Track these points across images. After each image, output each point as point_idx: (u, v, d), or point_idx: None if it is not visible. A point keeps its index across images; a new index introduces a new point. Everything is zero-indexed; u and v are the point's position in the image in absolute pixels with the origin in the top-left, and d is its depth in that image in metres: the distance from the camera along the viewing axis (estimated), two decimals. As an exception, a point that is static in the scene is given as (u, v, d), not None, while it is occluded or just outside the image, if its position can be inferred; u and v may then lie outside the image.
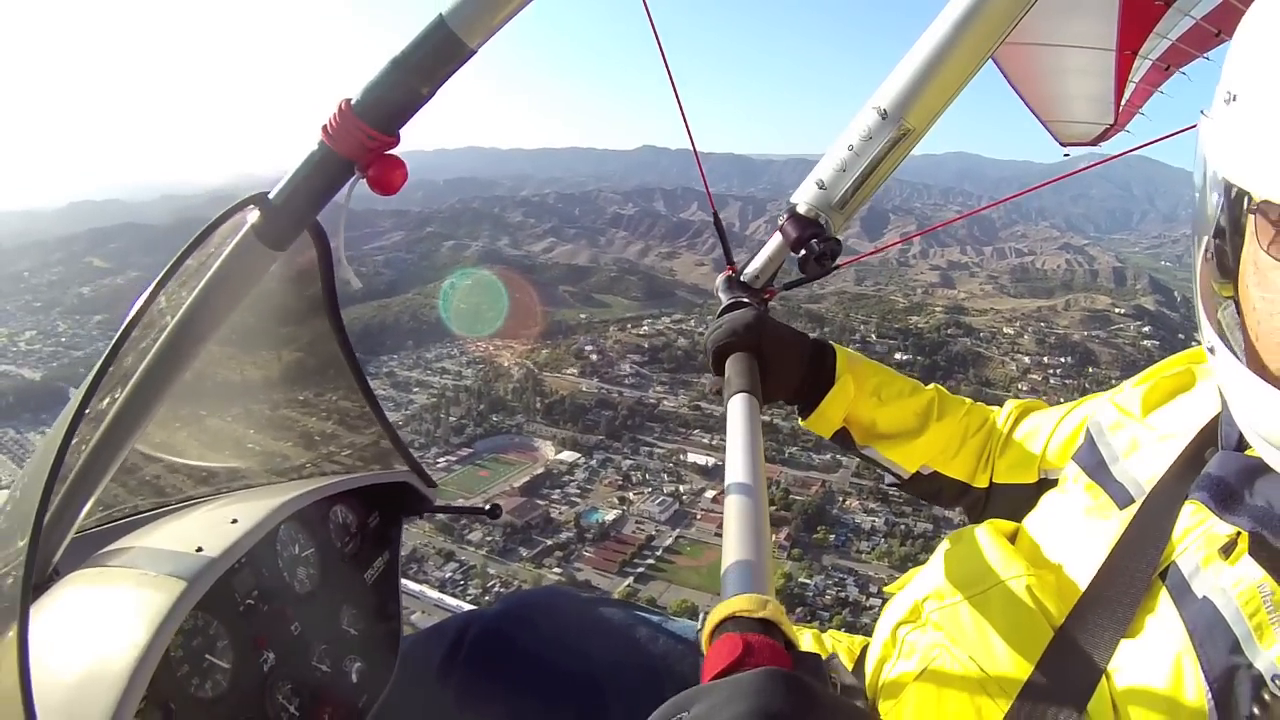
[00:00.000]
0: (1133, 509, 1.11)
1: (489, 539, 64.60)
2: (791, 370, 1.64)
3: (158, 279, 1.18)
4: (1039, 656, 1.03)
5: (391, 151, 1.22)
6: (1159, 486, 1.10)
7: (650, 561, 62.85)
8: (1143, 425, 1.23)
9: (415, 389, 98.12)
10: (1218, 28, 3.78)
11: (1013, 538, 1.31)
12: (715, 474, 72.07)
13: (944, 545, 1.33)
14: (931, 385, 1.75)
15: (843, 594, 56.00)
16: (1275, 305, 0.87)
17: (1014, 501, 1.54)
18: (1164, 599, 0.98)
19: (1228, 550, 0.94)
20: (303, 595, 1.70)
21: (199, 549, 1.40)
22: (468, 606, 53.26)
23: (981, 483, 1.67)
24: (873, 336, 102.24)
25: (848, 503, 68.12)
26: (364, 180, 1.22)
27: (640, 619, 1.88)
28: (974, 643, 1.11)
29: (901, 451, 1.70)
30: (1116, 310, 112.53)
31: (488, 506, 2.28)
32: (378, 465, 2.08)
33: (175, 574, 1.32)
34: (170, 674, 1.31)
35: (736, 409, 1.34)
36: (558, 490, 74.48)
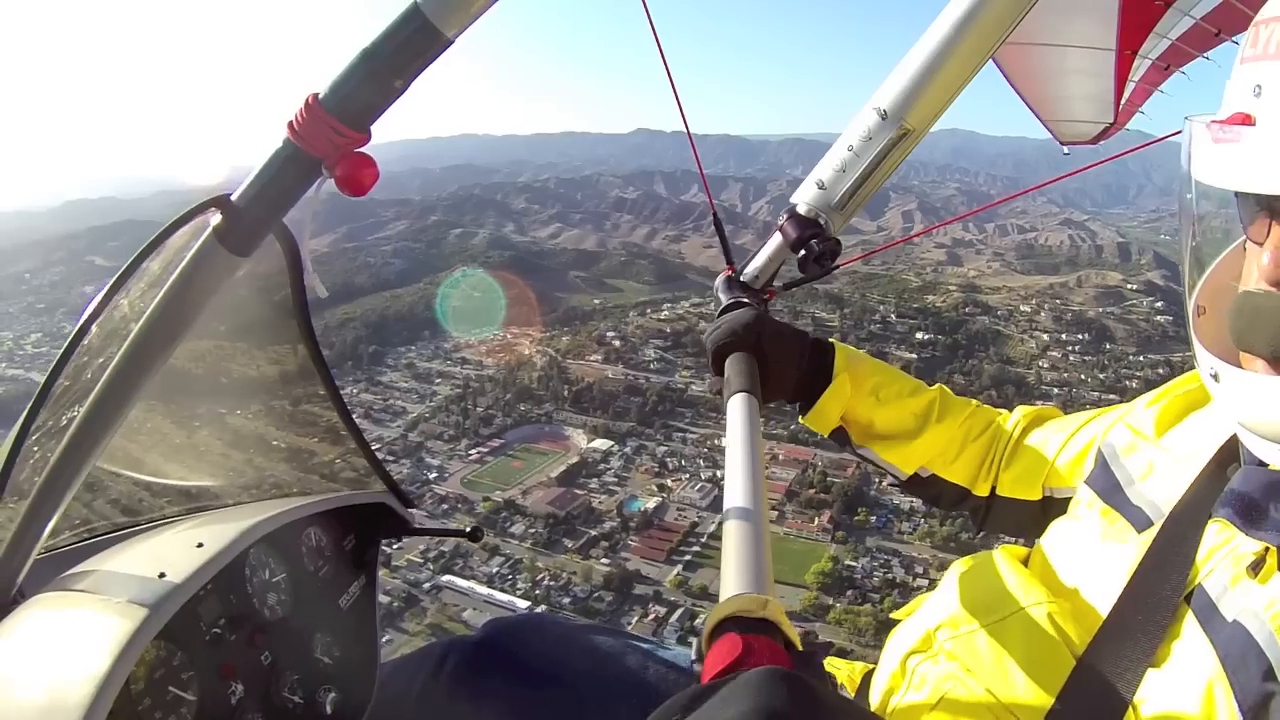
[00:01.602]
0: (1152, 531, 1.08)
1: (532, 531, 64.51)
2: (791, 369, 1.63)
3: (108, 286, 1.16)
4: (1060, 688, 1.00)
5: (362, 149, 1.14)
6: (1180, 506, 1.08)
7: (696, 549, 62.25)
8: (1157, 446, 1.22)
9: (438, 380, 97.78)
10: (1217, 28, 3.81)
11: (1025, 562, 1.29)
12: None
13: (956, 570, 1.29)
14: (935, 386, 1.72)
15: (889, 575, 56.48)
16: (1241, 280, 0.97)
17: (1017, 515, 1.54)
18: (1190, 623, 0.95)
19: (1256, 568, 0.92)
20: (273, 622, 1.63)
21: (162, 574, 1.34)
22: (520, 602, 52.95)
23: (982, 490, 1.64)
24: (893, 316, 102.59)
25: (884, 483, 67.81)
26: (332, 180, 1.15)
27: (630, 646, 1.83)
28: (991, 674, 1.08)
29: (898, 453, 1.68)
30: (1128, 286, 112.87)
31: (468, 529, 2.19)
32: (353, 485, 2.00)
33: (137, 600, 1.27)
34: (130, 707, 1.26)
35: (736, 409, 1.35)
36: (595, 479, 73.94)
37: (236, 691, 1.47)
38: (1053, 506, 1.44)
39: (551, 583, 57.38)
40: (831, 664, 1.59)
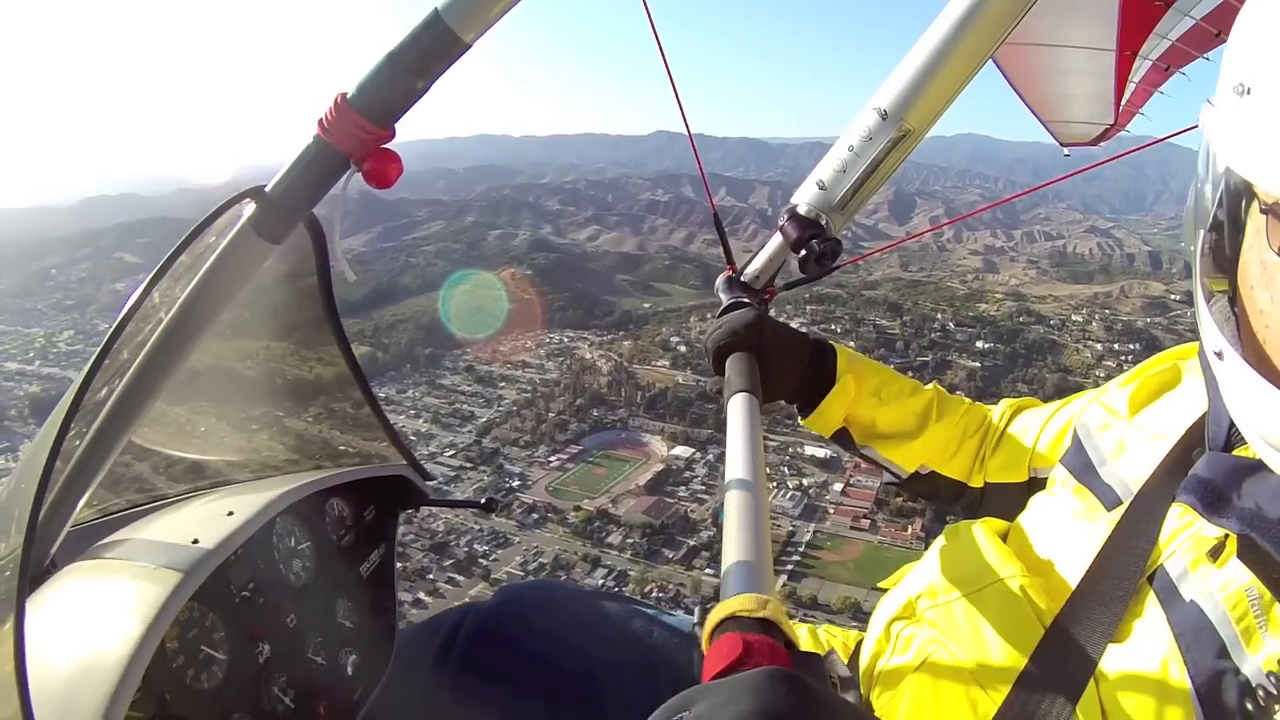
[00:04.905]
0: (1120, 511, 1.11)
1: (630, 541, 63.84)
2: (792, 370, 1.65)
3: (154, 272, 1.22)
4: (1031, 652, 1.04)
5: (386, 145, 1.23)
6: (1145, 488, 1.10)
7: (796, 558, 62.17)
8: (1131, 425, 1.23)
9: (501, 384, 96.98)
10: (1218, 28, 3.74)
11: (1004, 537, 1.31)
12: (835, 466, 71.50)
13: (939, 542, 1.33)
14: (931, 385, 1.74)
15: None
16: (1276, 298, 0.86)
17: (1007, 500, 1.55)
18: (1151, 602, 0.97)
19: (1215, 553, 0.93)
20: (298, 588, 1.70)
21: (195, 541, 1.41)
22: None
23: (977, 482, 1.67)
24: (951, 325, 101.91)
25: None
26: (360, 174, 1.24)
27: (635, 612, 1.87)
28: (968, 640, 1.11)
29: (900, 451, 1.70)
30: (1172, 297, 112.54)
31: (483, 500, 2.23)
32: (374, 459, 2.06)
33: (171, 566, 1.33)
34: (166, 665, 1.33)
35: (737, 409, 1.35)
36: (682, 487, 73.32)
37: (264, 652, 1.54)
38: (1038, 487, 1.44)
39: (660, 594, 56.83)
40: (828, 631, 1.64)
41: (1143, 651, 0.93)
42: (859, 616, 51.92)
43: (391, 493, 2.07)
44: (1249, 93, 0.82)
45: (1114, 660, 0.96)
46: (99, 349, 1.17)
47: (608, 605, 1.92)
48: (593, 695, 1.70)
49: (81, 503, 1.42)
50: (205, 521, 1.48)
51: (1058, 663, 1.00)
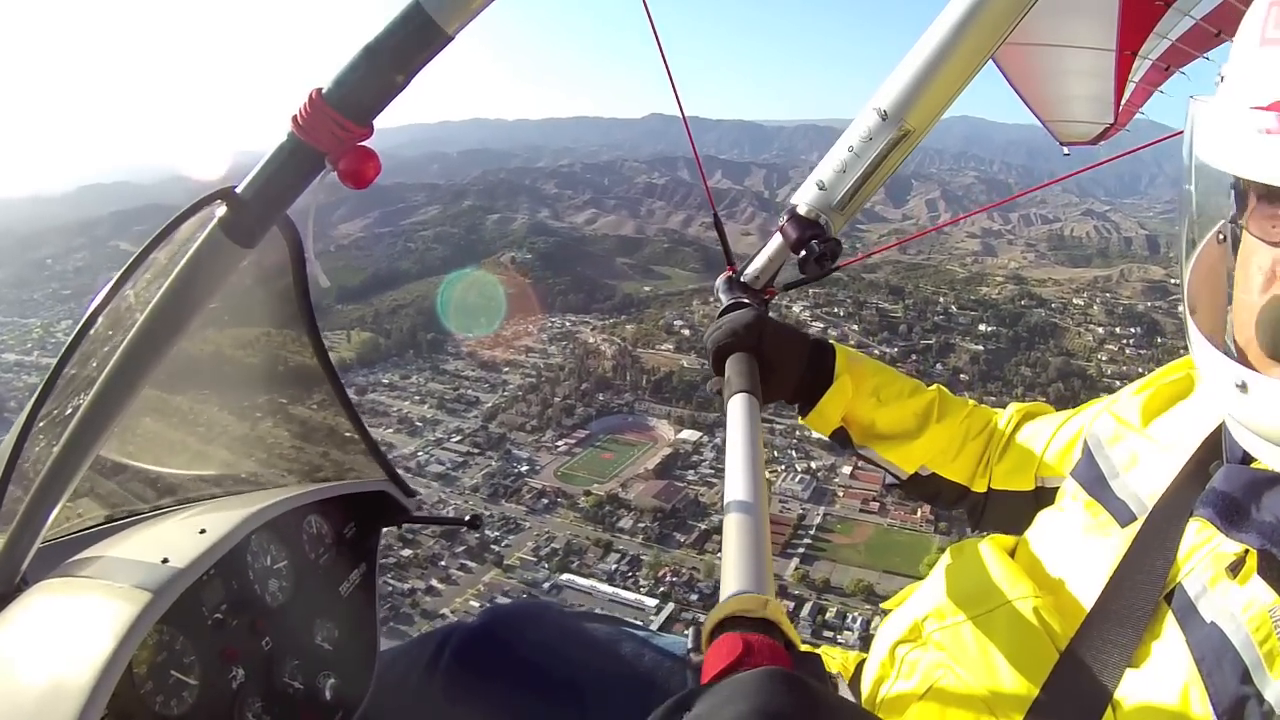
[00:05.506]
0: (1135, 526, 1.08)
1: (642, 526, 64.14)
2: (791, 370, 1.65)
3: (116, 277, 1.19)
4: (1045, 679, 1.01)
5: (364, 143, 1.16)
6: (1161, 503, 1.07)
7: (808, 541, 62.69)
8: (1143, 436, 1.21)
9: (505, 369, 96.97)
10: (1217, 28, 3.80)
11: (1011, 553, 1.28)
12: (842, 450, 71.50)
13: (945, 560, 1.31)
14: (934, 386, 1.73)
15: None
16: (1247, 279, 0.86)
17: (1012, 508, 1.55)
18: (1170, 623, 0.94)
19: (1235, 569, 0.91)
20: (274, 608, 1.66)
21: (165, 560, 1.37)
22: (648, 600, 52.35)
23: (980, 487, 1.66)
24: (954, 308, 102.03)
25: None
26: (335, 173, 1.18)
27: (626, 634, 1.84)
28: (977, 664, 1.09)
29: (899, 452, 1.69)
30: (1172, 281, 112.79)
31: (467, 517, 2.18)
32: (354, 473, 2.02)
33: (140, 585, 1.30)
34: (133, 690, 1.29)
35: (736, 409, 1.36)
36: (691, 471, 73.30)
37: (237, 676, 1.50)
38: (1045, 497, 1.44)
39: (674, 578, 56.96)
40: (826, 653, 1.61)
41: (1162, 677, 0.91)
42: (872, 599, 52.14)
43: (373, 509, 2.01)
44: (1223, 80, 0.85)
45: (1132, 687, 0.93)
46: (57, 358, 1.14)
47: (597, 627, 1.89)
48: (581, 717, 1.66)
49: (51, 517, 1.38)
50: (177, 539, 1.44)
51: (1072, 690, 0.97)
